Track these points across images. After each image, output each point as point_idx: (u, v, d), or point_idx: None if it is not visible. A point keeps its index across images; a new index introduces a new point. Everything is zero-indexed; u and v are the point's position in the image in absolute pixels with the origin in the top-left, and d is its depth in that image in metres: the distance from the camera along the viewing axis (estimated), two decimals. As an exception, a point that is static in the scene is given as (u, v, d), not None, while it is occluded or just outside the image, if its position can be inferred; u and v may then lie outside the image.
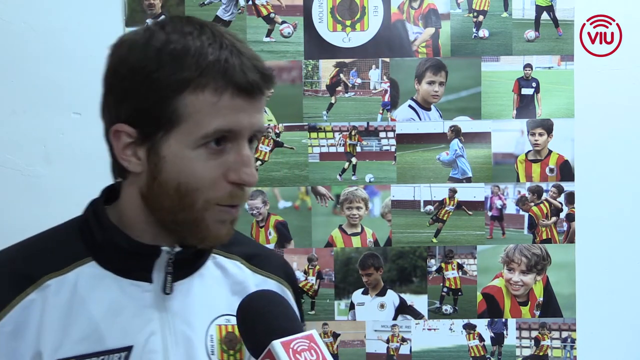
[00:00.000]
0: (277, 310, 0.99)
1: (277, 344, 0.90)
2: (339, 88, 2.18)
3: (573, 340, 2.19)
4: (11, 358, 0.97)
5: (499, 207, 2.19)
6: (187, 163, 0.96)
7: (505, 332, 2.19)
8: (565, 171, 2.18)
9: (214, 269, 1.10)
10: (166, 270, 1.02)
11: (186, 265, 1.05)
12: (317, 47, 2.16)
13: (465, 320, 2.19)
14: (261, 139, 1.02)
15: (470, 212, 2.18)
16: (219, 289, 1.09)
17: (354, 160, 2.19)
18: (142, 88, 0.95)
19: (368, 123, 2.18)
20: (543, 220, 2.19)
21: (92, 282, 1.01)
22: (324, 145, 2.18)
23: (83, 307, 0.99)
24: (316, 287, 2.18)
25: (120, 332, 0.99)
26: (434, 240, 2.19)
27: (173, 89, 0.94)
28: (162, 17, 1.04)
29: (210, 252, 1.10)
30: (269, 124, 2.17)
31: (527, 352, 2.20)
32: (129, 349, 0.99)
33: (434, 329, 2.19)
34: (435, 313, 2.19)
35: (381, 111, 2.18)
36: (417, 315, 2.19)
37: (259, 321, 0.97)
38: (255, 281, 1.13)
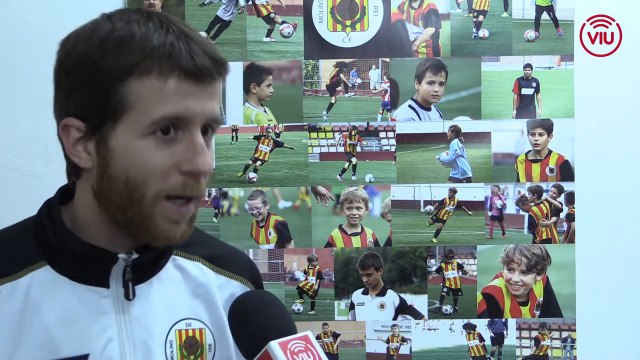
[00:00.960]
0: (271, 310, 0.97)
1: (274, 345, 0.88)
2: (339, 88, 2.18)
3: (573, 340, 2.19)
4: None
5: (499, 207, 2.19)
6: (136, 153, 0.91)
7: (505, 332, 2.19)
8: (565, 171, 2.18)
9: (173, 271, 1.06)
10: (126, 277, 0.98)
11: (144, 269, 1.01)
12: (317, 47, 2.16)
13: (465, 320, 2.19)
14: (217, 129, 0.98)
15: (470, 212, 2.18)
16: (179, 292, 1.05)
17: (354, 160, 2.19)
18: (88, 78, 0.92)
19: (368, 123, 2.18)
20: (543, 220, 2.19)
21: (46, 288, 0.96)
22: (324, 145, 2.18)
23: (36, 314, 0.95)
24: (316, 287, 2.18)
25: (76, 340, 0.96)
26: (434, 240, 2.19)
27: (117, 76, 0.91)
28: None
29: (169, 255, 1.05)
30: (269, 124, 2.17)
31: (527, 352, 2.20)
32: (84, 357, 0.96)
33: (434, 329, 2.19)
34: (435, 313, 2.19)
35: (381, 111, 2.18)
36: (417, 315, 2.19)
37: (253, 322, 0.95)
38: (218, 282, 1.09)
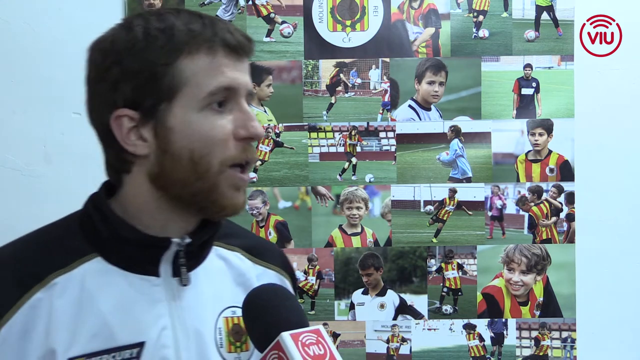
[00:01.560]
0: (284, 303, 0.98)
1: (286, 336, 0.89)
2: (339, 88, 2.18)
3: (573, 340, 2.19)
4: (20, 359, 0.95)
5: (499, 207, 2.19)
6: (196, 127, 0.96)
7: (505, 332, 2.19)
8: (565, 171, 2.18)
9: (216, 260, 1.09)
10: (180, 263, 1.01)
11: (193, 257, 1.04)
12: (317, 47, 2.16)
13: (465, 320, 2.19)
14: (251, 103, 1.04)
15: (470, 212, 2.18)
16: (223, 280, 1.09)
17: (354, 160, 2.19)
18: (136, 66, 0.96)
19: (368, 123, 2.18)
20: (543, 220, 2.19)
21: (100, 278, 0.99)
22: (324, 145, 2.18)
23: (92, 304, 0.98)
24: (316, 287, 2.18)
25: (132, 328, 0.98)
26: (434, 240, 2.19)
27: (168, 58, 0.96)
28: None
29: (212, 244, 1.09)
30: (269, 124, 2.17)
31: (527, 352, 2.20)
32: (141, 344, 0.98)
33: (434, 329, 2.19)
34: (435, 313, 2.19)
35: (381, 111, 2.18)
36: (417, 315, 2.19)
37: (266, 314, 0.96)
38: (256, 272, 1.12)
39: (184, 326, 1.01)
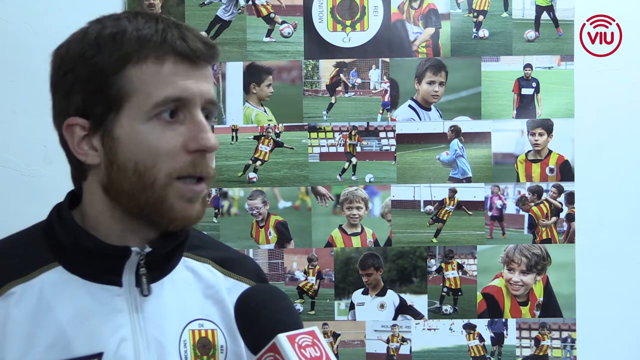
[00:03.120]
0: (278, 304, 0.97)
1: (282, 338, 0.88)
2: (339, 88, 2.18)
3: (573, 340, 2.19)
4: None
5: (499, 207, 2.19)
6: (142, 138, 0.93)
7: (505, 332, 2.19)
8: (565, 171, 2.18)
9: (185, 272, 1.06)
10: (140, 272, 0.98)
11: (157, 267, 1.01)
12: (317, 47, 2.16)
13: (465, 320, 2.19)
14: (214, 113, 1.00)
15: (470, 212, 2.18)
16: (191, 292, 1.05)
17: (354, 160, 2.19)
18: (85, 75, 0.95)
19: (368, 123, 2.18)
20: (543, 220, 2.19)
21: (59, 288, 0.97)
22: (324, 145, 2.18)
23: (49, 314, 0.96)
24: (316, 287, 2.18)
25: (90, 339, 0.96)
26: (434, 240, 2.19)
27: (115, 67, 0.93)
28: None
29: (181, 256, 1.06)
30: (269, 124, 2.17)
31: (527, 352, 2.20)
32: (99, 355, 0.95)
33: (434, 329, 2.19)
34: (435, 313, 2.19)
35: (381, 111, 2.18)
36: (417, 315, 2.19)
37: (260, 315, 0.95)
38: (227, 285, 1.09)
39: (145, 337, 0.99)
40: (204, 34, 0.98)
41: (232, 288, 1.09)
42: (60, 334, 0.95)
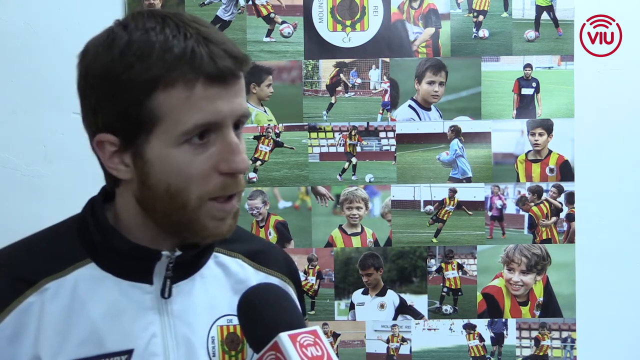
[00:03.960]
0: (281, 303, 0.98)
1: (284, 336, 0.89)
2: (339, 88, 2.18)
3: (573, 340, 2.19)
4: None
5: (499, 207, 2.19)
6: (173, 162, 0.93)
7: (505, 332, 2.19)
8: (565, 171, 2.18)
9: (215, 268, 1.08)
10: (165, 275, 1.00)
11: (187, 266, 1.03)
12: (317, 47, 2.16)
13: (465, 320, 2.19)
14: (246, 122, 0.98)
15: (470, 212, 2.18)
16: (220, 288, 1.07)
17: (354, 160, 2.19)
18: (113, 93, 0.93)
19: (368, 123, 2.18)
20: (543, 220, 2.19)
21: (92, 285, 0.99)
22: (324, 145, 2.18)
23: (83, 310, 0.97)
24: (316, 287, 2.18)
25: (121, 335, 0.98)
26: (434, 240, 2.19)
27: (144, 90, 0.91)
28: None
29: (211, 252, 1.08)
30: (269, 124, 2.17)
31: (527, 352, 2.20)
32: (129, 352, 0.98)
33: (434, 329, 2.19)
34: (435, 313, 2.19)
35: (381, 111, 2.18)
36: (417, 315, 2.19)
37: (262, 314, 0.96)
38: (258, 278, 1.11)
39: (174, 334, 1.01)
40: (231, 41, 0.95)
41: (263, 282, 1.10)
42: (93, 330, 0.97)
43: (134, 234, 1.00)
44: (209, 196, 0.95)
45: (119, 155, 0.96)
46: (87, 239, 1.01)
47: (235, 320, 1.03)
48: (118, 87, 0.92)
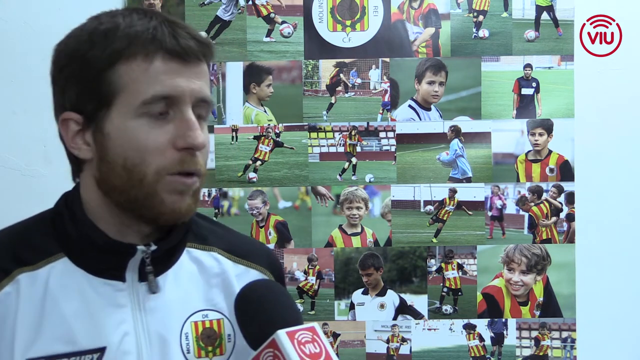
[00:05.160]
0: (280, 300, 0.98)
1: (282, 334, 0.89)
2: (339, 88, 2.18)
3: (573, 340, 2.19)
4: None
5: (499, 207, 2.19)
6: (130, 134, 0.95)
7: (505, 332, 2.19)
8: (565, 171, 2.18)
9: (189, 263, 1.07)
10: (147, 270, 1.00)
11: (159, 263, 1.02)
12: (317, 47, 2.16)
13: (465, 320, 2.19)
14: (209, 112, 1.00)
15: (470, 212, 2.18)
16: (194, 284, 1.06)
17: (354, 160, 2.19)
18: (79, 70, 0.96)
19: (368, 123, 2.18)
20: (543, 220, 2.19)
21: (64, 280, 0.98)
22: (324, 145, 2.18)
23: (55, 306, 0.97)
24: (316, 287, 2.18)
25: (93, 333, 0.97)
26: (434, 240, 2.19)
27: (106, 63, 0.95)
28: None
29: (183, 247, 1.06)
30: (269, 124, 2.17)
31: (527, 352, 2.20)
32: (102, 350, 0.97)
33: (434, 329, 2.19)
34: (435, 313, 2.19)
35: (381, 111, 2.18)
36: (417, 315, 2.19)
37: (260, 311, 0.95)
38: (236, 271, 1.09)
39: (147, 332, 1.00)
40: (204, 33, 0.98)
41: (242, 275, 1.09)
42: (66, 326, 0.97)
43: (101, 225, 1.00)
44: (167, 172, 0.95)
45: (81, 135, 0.98)
46: (62, 232, 1.00)
47: (212, 315, 1.04)
48: (84, 63, 0.96)
